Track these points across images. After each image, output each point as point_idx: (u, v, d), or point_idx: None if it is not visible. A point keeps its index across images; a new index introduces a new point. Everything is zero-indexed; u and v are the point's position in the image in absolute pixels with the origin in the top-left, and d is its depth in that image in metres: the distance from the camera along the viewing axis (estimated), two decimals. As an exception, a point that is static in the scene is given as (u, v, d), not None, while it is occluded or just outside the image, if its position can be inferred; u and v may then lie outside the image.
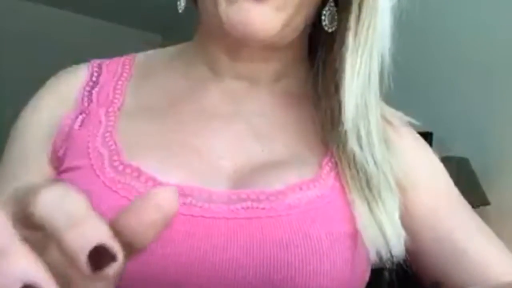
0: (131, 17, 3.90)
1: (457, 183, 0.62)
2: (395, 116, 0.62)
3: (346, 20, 0.55)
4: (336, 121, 0.55)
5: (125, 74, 0.63)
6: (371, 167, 0.53)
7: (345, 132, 0.54)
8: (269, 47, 0.57)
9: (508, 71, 2.06)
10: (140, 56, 0.66)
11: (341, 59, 0.55)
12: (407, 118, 0.63)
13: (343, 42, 0.55)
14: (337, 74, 0.55)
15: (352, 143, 0.54)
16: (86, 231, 0.23)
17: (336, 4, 0.57)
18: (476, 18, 2.19)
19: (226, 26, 0.52)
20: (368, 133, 0.54)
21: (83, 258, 0.23)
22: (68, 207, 0.24)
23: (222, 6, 0.52)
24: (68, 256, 0.23)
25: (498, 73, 2.09)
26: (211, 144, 0.56)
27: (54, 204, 0.24)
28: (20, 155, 0.60)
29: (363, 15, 0.54)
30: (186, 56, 0.63)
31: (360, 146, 0.54)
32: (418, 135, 0.63)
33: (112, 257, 0.23)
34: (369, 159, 0.54)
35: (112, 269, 0.23)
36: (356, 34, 0.54)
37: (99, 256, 0.23)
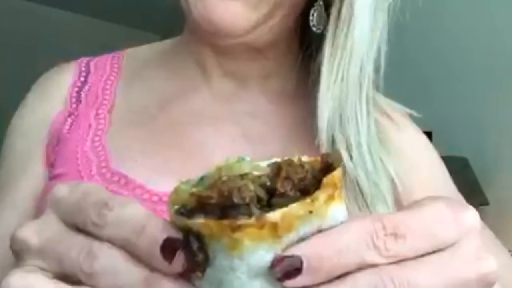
0: (130, 17, 3.90)
1: (457, 183, 0.62)
2: (395, 108, 0.61)
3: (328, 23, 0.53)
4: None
5: (114, 73, 0.61)
6: (362, 179, 0.52)
7: (331, 142, 0.52)
8: (250, 45, 0.55)
9: (508, 71, 2.06)
10: (129, 53, 0.65)
11: (319, 65, 0.53)
12: (408, 110, 0.62)
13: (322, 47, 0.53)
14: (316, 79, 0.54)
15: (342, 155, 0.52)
16: (151, 233, 0.25)
17: (326, 4, 0.55)
18: (476, 19, 2.18)
19: (194, 20, 0.51)
20: (359, 145, 0.53)
21: (158, 257, 0.25)
22: (128, 218, 0.26)
23: None
24: (145, 259, 0.26)
25: (498, 73, 2.09)
26: (202, 148, 0.55)
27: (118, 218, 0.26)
28: (14, 162, 0.59)
29: (341, 19, 0.52)
30: (176, 54, 0.62)
31: (350, 158, 0.52)
32: (417, 129, 0.62)
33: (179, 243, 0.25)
34: (360, 172, 0.52)
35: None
36: (334, 38, 0.53)
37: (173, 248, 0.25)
